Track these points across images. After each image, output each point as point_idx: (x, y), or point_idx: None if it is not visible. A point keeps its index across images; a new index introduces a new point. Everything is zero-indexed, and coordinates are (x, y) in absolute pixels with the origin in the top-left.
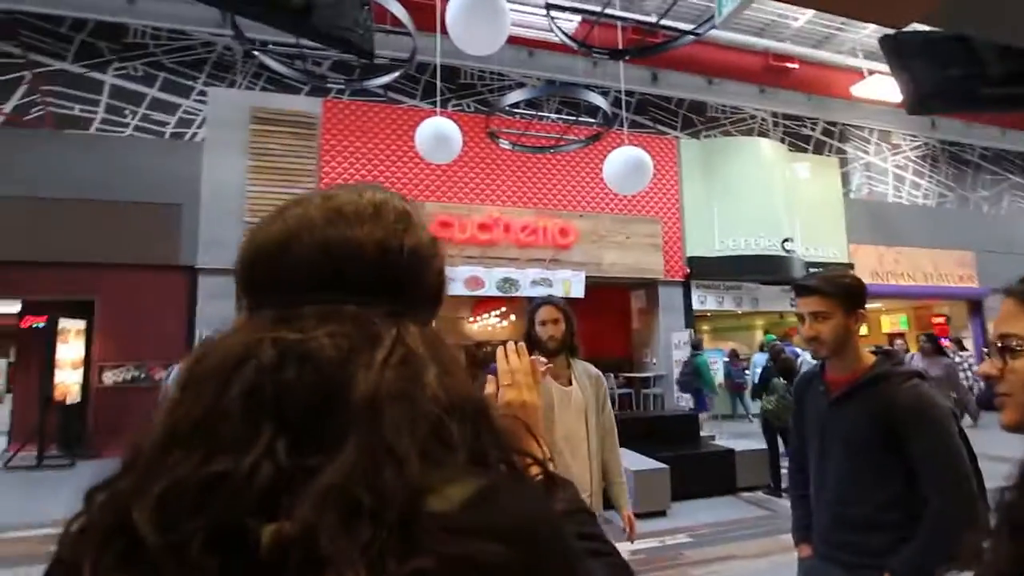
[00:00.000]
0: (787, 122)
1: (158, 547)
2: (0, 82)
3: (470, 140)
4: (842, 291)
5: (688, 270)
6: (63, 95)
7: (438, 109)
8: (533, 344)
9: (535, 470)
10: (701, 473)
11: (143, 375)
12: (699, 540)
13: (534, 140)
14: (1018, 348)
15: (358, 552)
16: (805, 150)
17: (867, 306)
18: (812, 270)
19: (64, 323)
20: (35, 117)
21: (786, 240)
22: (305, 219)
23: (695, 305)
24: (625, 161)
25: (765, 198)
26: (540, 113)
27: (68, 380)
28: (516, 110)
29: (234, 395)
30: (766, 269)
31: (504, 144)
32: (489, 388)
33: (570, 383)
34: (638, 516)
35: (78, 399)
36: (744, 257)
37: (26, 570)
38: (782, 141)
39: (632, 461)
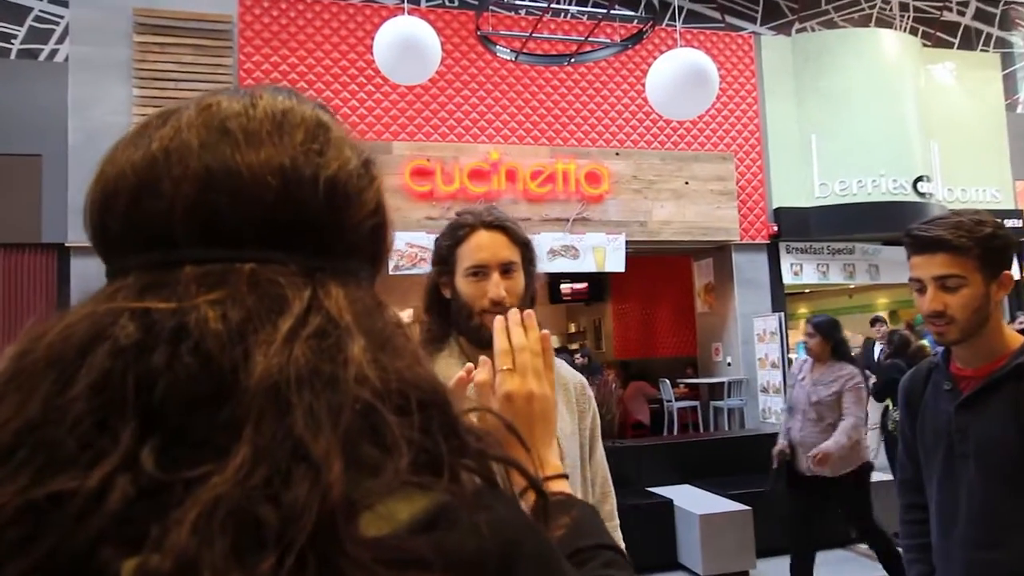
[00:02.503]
0: (921, 3)
1: None
2: None
3: (454, 49)
4: (981, 244)
5: (775, 228)
6: None
7: (406, 4)
8: (448, 316)
9: (521, 484)
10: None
11: None
12: None
13: (546, 47)
14: None
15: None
16: (949, 45)
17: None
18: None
19: None
20: None
21: (920, 179)
22: (177, 142)
23: (786, 278)
24: (676, 72)
25: (889, 119)
26: (555, 5)
27: None
28: (520, 2)
29: (78, 391)
30: (890, 223)
31: (504, 53)
32: (481, 375)
33: None
34: None
35: None
36: (857, 206)
37: None
38: (914, 33)
39: (698, 501)
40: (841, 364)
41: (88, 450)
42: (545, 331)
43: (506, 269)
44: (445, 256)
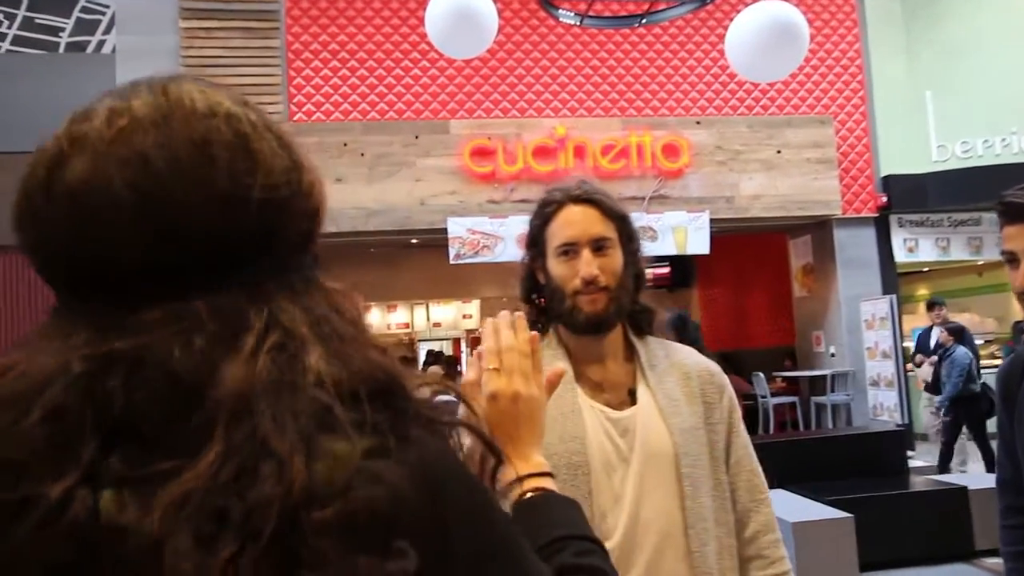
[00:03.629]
0: None
1: None
2: None
3: (513, 16)
4: None
5: (885, 199)
6: None
7: None
8: (543, 301)
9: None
10: (911, 526)
11: None
12: None
13: (614, 7)
14: None
15: (219, 571)
16: None
17: None
18: None
19: None
20: None
21: None
22: (97, 179)
23: (899, 256)
24: (759, 28)
25: (1021, 68)
26: None
27: None
28: None
29: (33, 420)
30: None
31: (567, 17)
32: (470, 374)
33: (633, 399)
34: None
35: None
36: (984, 170)
37: None
38: None
39: (792, 508)
40: None
41: (47, 466)
42: (535, 333)
43: (599, 246)
44: (536, 237)
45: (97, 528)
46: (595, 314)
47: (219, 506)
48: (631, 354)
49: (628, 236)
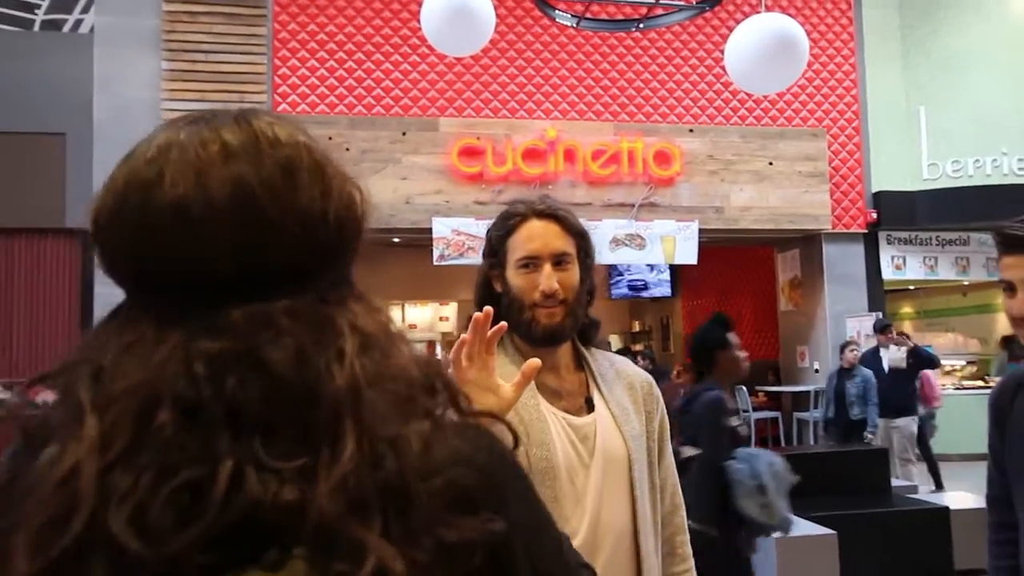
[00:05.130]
0: None
1: (151, 559)
2: None
3: (508, 14)
4: None
5: (875, 215)
6: None
7: None
8: (501, 313)
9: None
10: (893, 544)
11: (17, 399)
12: None
13: (611, 10)
14: None
15: (383, 539)
16: None
17: None
18: None
19: None
20: None
21: None
22: (201, 195)
23: (886, 273)
24: (759, 40)
25: (1014, 87)
26: None
27: None
28: None
29: (163, 420)
30: (1015, 209)
31: (563, 18)
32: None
33: (590, 406)
34: None
35: None
36: (974, 190)
37: None
38: None
39: None
40: None
41: (197, 455)
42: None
43: (559, 260)
44: (496, 248)
45: (248, 507)
46: (552, 326)
47: (360, 487)
48: (580, 364)
49: (585, 252)
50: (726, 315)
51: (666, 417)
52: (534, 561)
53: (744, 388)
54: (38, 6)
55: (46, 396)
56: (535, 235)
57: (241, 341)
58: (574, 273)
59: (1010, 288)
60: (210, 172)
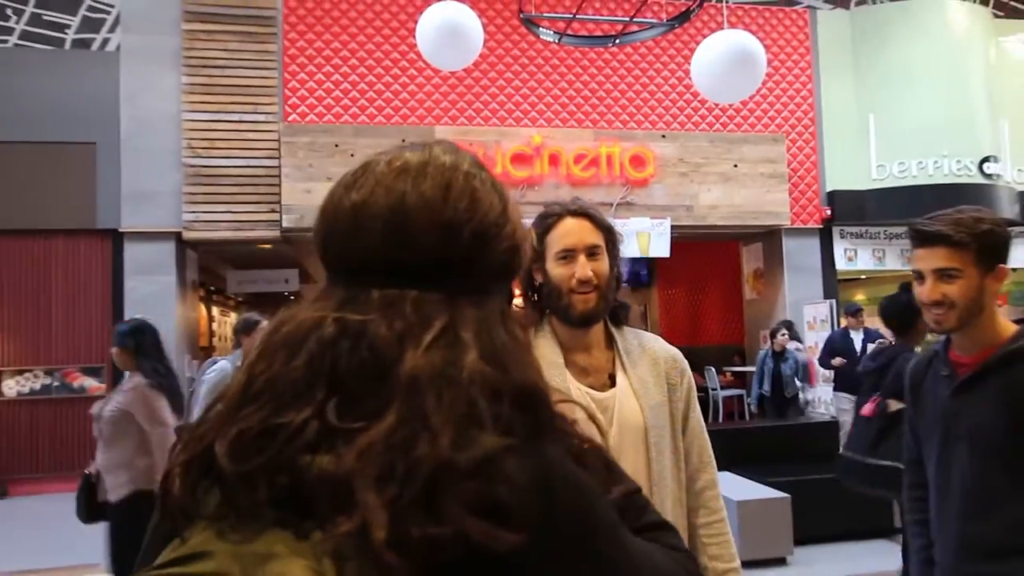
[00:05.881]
0: None
1: (231, 473)
2: None
3: (496, 31)
4: (978, 240)
5: (829, 212)
6: None
7: None
8: (541, 299)
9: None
10: (840, 506)
11: (57, 383)
12: None
13: (591, 27)
14: None
15: (383, 507)
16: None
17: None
18: None
19: None
20: None
21: (987, 160)
22: (372, 200)
23: (840, 264)
24: (722, 55)
25: (953, 96)
26: None
27: None
28: None
29: (299, 363)
30: (953, 206)
31: (546, 35)
32: None
33: (612, 381)
34: (745, 565)
35: None
36: (918, 189)
37: None
38: (985, 3)
39: (736, 488)
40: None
41: (299, 400)
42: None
43: (592, 252)
44: (536, 243)
45: (301, 458)
46: (587, 310)
47: (389, 459)
48: (611, 343)
49: (613, 244)
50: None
51: (693, 388)
52: None
53: (713, 369)
54: (69, 26)
55: (82, 381)
56: (571, 231)
57: (365, 315)
58: (605, 262)
59: (920, 277)
60: (383, 184)
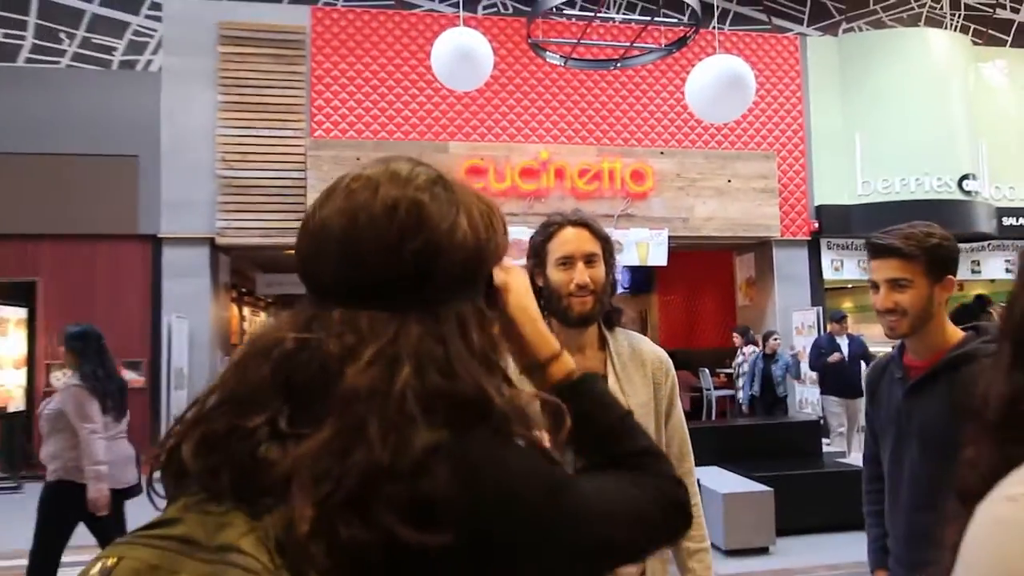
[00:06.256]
0: (973, 1)
1: (195, 469)
2: None
3: (507, 55)
4: (927, 254)
5: (816, 224)
6: None
7: (461, 14)
8: (541, 301)
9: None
10: (821, 500)
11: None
12: None
13: (594, 52)
14: None
15: (312, 505)
16: (1001, 43)
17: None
18: (1006, 221)
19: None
20: None
21: (966, 177)
22: (329, 223)
23: (827, 274)
24: (713, 78)
25: (935, 115)
26: (601, 13)
27: (8, 383)
28: (568, 10)
29: (264, 373)
30: (934, 221)
31: (553, 58)
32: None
33: (604, 380)
34: (730, 553)
35: (22, 406)
36: (900, 204)
37: None
38: (964, 31)
39: (723, 482)
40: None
41: (258, 407)
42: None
43: (589, 259)
44: (538, 250)
45: (255, 456)
46: (584, 312)
47: (326, 464)
48: (603, 345)
49: (609, 253)
50: (986, 296)
51: (676, 386)
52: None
53: (707, 370)
54: (116, 49)
55: (123, 374)
56: (570, 239)
57: (326, 332)
58: (601, 269)
59: (875, 286)
60: (338, 204)
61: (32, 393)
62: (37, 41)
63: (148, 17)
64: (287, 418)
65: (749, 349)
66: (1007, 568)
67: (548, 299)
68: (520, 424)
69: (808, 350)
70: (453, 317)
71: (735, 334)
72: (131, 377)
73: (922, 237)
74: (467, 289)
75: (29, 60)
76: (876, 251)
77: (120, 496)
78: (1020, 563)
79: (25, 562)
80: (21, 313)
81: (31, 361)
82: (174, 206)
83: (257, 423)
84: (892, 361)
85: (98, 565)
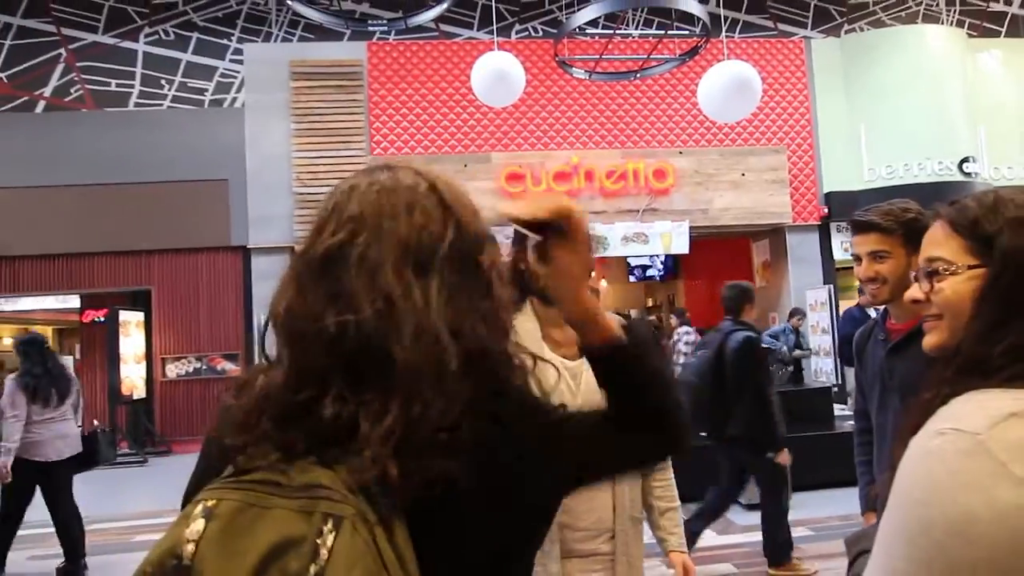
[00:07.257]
0: None
1: (275, 437)
2: (39, 64)
3: (538, 73)
4: (904, 227)
5: (826, 210)
6: (98, 70)
7: (496, 39)
8: (521, 279)
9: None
10: (832, 459)
11: (204, 366)
12: (822, 534)
13: (615, 65)
14: (944, 271)
15: (390, 452)
16: (996, 34)
17: None
18: None
19: (123, 315)
20: (75, 98)
21: (965, 160)
22: (363, 209)
23: (837, 255)
24: (723, 82)
25: (935, 105)
26: (621, 30)
27: (132, 375)
28: (590, 29)
29: (318, 350)
30: (936, 202)
31: (578, 73)
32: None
33: (582, 352)
34: (749, 507)
35: (143, 394)
36: (904, 188)
37: (106, 558)
38: (960, 25)
39: None
40: None
41: (320, 380)
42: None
43: None
44: (520, 236)
45: (322, 419)
46: None
47: (391, 423)
48: None
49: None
50: None
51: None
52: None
53: None
54: (206, 90)
55: (223, 364)
56: None
57: (358, 313)
58: None
59: (857, 259)
60: (369, 199)
61: (151, 383)
62: (143, 88)
63: (232, 61)
64: (348, 386)
65: (683, 330)
66: (935, 489)
67: (529, 282)
68: (523, 376)
69: (822, 324)
70: (478, 273)
71: (672, 316)
72: (230, 367)
73: (899, 212)
74: (474, 266)
75: (137, 104)
76: (858, 227)
77: (56, 466)
78: (946, 485)
79: (147, 522)
80: (139, 316)
81: (149, 356)
82: (259, 221)
83: (323, 391)
84: (877, 325)
85: (199, 506)
